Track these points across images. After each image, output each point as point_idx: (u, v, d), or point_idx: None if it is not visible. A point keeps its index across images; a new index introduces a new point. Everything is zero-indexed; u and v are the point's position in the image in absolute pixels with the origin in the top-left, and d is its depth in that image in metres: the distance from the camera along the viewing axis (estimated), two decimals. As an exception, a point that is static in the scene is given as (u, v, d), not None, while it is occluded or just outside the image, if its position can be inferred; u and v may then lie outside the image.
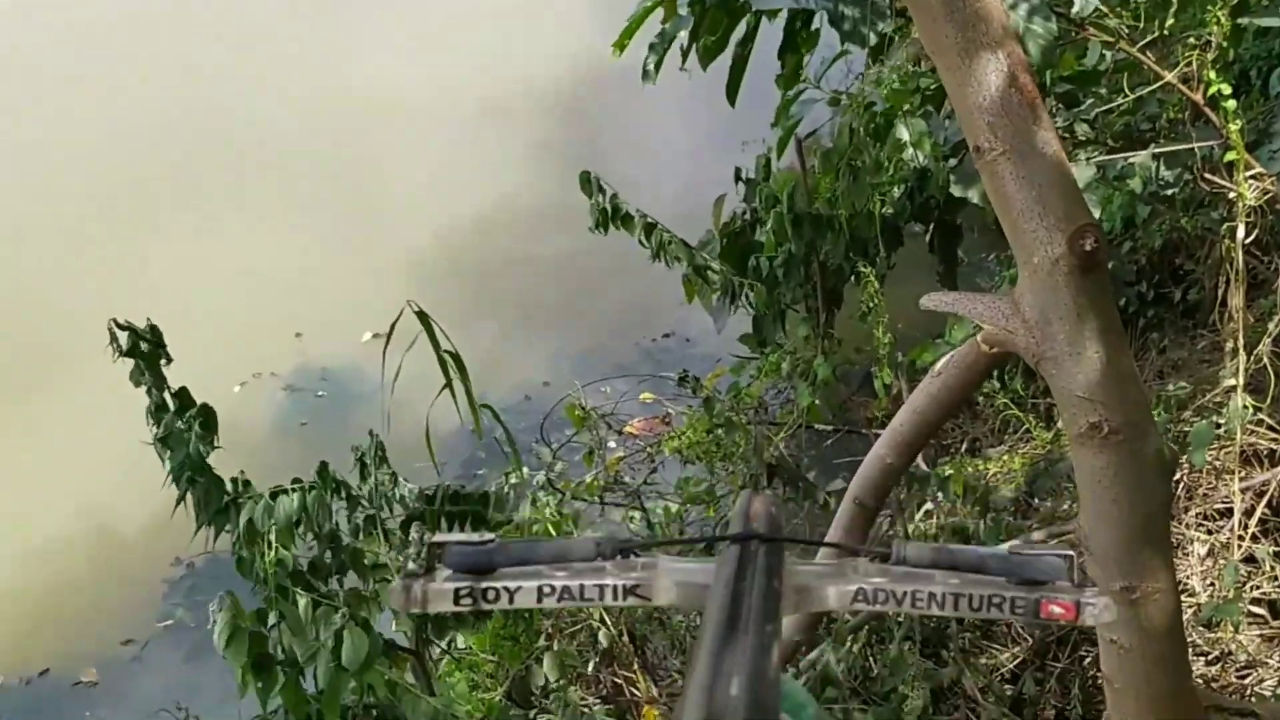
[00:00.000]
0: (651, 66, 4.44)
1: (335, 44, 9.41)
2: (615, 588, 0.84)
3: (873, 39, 3.77)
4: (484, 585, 0.83)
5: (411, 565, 0.85)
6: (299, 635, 2.32)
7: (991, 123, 1.59)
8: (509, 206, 7.30)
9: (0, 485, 5.36)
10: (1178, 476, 3.65)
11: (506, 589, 0.83)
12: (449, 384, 3.81)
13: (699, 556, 0.86)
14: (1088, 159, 3.86)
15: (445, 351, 3.70)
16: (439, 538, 0.85)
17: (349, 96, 8.59)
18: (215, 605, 2.34)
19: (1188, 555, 3.52)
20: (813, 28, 4.28)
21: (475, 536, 0.85)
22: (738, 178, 4.95)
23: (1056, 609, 0.78)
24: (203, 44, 9.20)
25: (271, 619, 2.33)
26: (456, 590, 0.83)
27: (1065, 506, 3.92)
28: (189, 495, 2.66)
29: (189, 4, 9.79)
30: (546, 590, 0.83)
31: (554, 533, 3.42)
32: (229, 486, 2.66)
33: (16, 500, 5.28)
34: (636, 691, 3.39)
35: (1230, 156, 2.95)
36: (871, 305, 3.96)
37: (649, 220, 4.56)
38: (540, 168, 7.65)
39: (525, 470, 3.91)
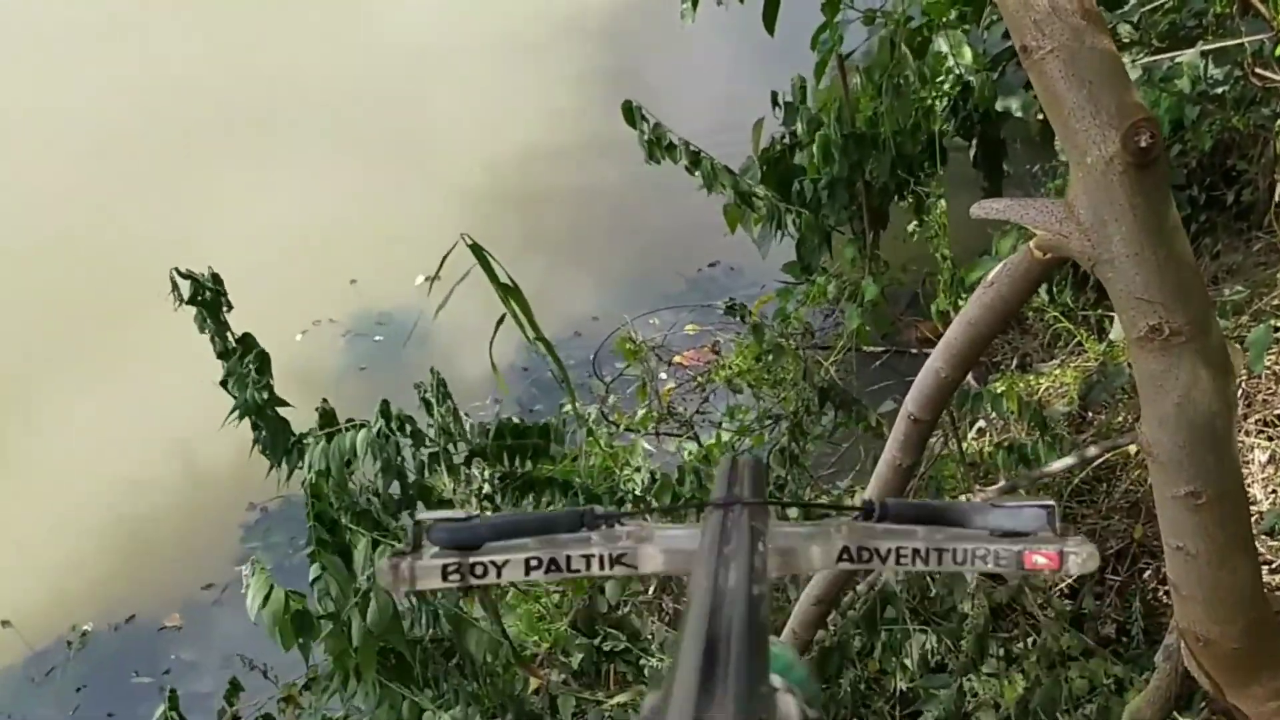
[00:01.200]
0: (687, 5, 4.37)
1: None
2: (601, 557, 0.84)
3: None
4: (471, 560, 0.84)
5: (399, 545, 0.86)
6: (343, 588, 2.34)
7: (1038, 20, 1.53)
8: (551, 140, 7.28)
9: (81, 431, 5.52)
10: (1236, 383, 3.59)
11: (493, 563, 0.84)
12: (510, 313, 3.81)
13: (685, 522, 0.87)
14: (1133, 61, 3.75)
15: (503, 284, 3.70)
16: (424, 515, 0.86)
17: (386, 39, 8.58)
18: (246, 569, 2.37)
19: (1249, 463, 3.47)
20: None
21: (460, 513, 0.86)
22: (775, 102, 4.87)
23: (1040, 559, 0.79)
24: (239, 5, 9.19)
25: (314, 571, 2.36)
26: (444, 566, 0.84)
27: (1119, 418, 3.87)
28: (248, 441, 2.70)
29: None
30: (533, 563, 0.84)
31: (612, 465, 3.42)
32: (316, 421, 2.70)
33: (99, 446, 5.42)
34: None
35: (1283, 49, 2.85)
36: (928, 223, 3.89)
37: (693, 149, 4.50)
38: (581, 99, 7.61)
39: (580, 404, 3.93)
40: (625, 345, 4.43)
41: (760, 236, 4.86)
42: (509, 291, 3.45)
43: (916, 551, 0.81)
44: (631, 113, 4.35)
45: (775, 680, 0.72)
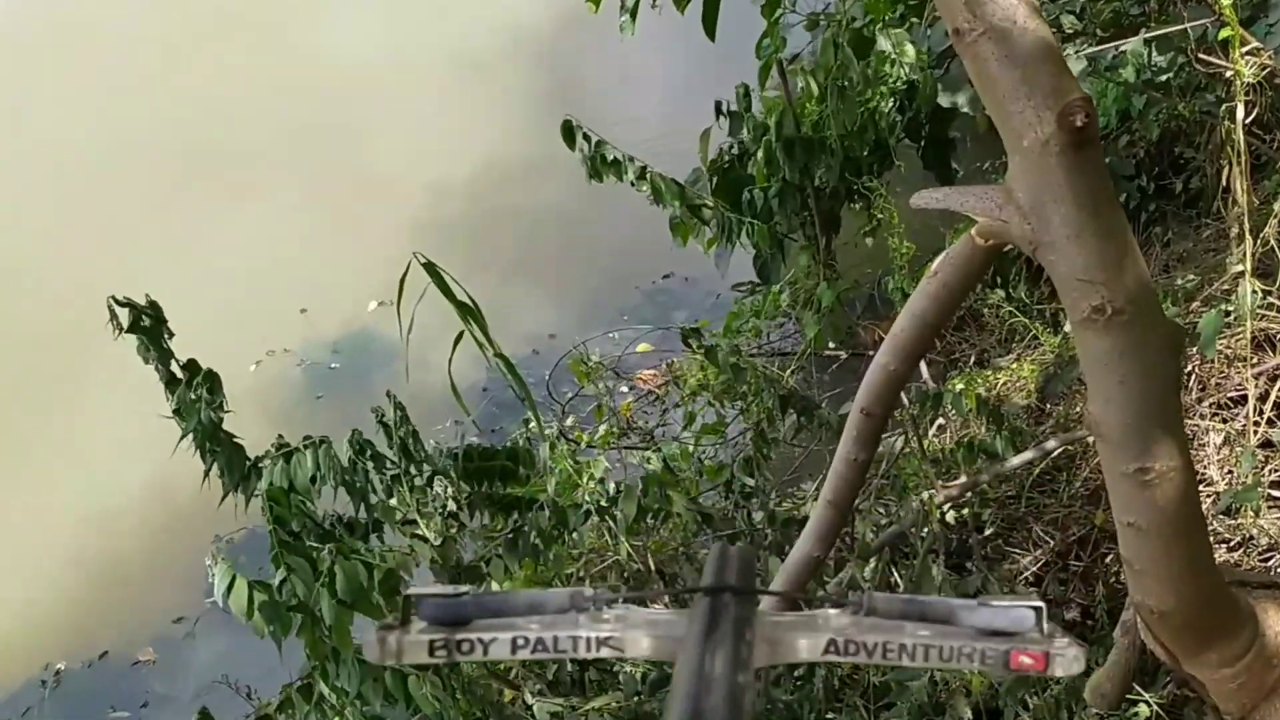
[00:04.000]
0: (628, 16, 4.37)
1: (304, 18, 9.32)
2: (589, 639, 0.85)
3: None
4: (458, 637, 0.84)
5: (388, 619, 0.87)
6: (308, 584, 2.34)
7: (969, 1, 1.54)
8: (498, 160, 7.26)
9: (47, 469, 5.52)
10: (1190, 368, 3.63)
11: (481, 640, 0.84)
12: (469, 330, 3.78)
13: (673, 607, 0.88)
14: (1077, 52, 3.79)
15: (460, 302, 3.68)
16: (413, 591, 0.87)
17: (325, 68, 8.54)
18: (209, 559, 2.38)
19: (1204, 445, 3.50)
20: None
21: (450, 589, 0.87)
22: (719, 111, 4.89)
23: (1026, 659, 0.80)
24: (175, 31, 9.14)
25: (280, 575, 2.36)
26: (431, 642, 0.84)
27: (1077, 409, 3.90)
28: (215, 471, 2.69)
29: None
30: (520, 642, 0.84)
31: (579, 480, 3.41)
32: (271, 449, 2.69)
33: (65, 484, 5.42)
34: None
35: (1225, 34, 2.89)
36: (880, 218, 3.90)
37: (639, 164, 4.50)
38: (525, 117, 7.60)
39: (542, 423, 3.91)
40: (578, 367, 4.41)
41: (717, 255, 4.87)
42: (466, 310, 3.44)
43: (903, 647, 0.82)
44: (571, 132, 4.35)
45: None
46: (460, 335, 3.79)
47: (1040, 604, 0.81)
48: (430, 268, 3.63)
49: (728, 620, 0.76)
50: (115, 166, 7.61)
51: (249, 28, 9.08)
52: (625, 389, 5.31)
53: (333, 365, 5.99)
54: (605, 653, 0.85)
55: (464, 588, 0.87)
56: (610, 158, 4.37)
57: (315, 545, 2.50)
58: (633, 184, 4.49)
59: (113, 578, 4.99)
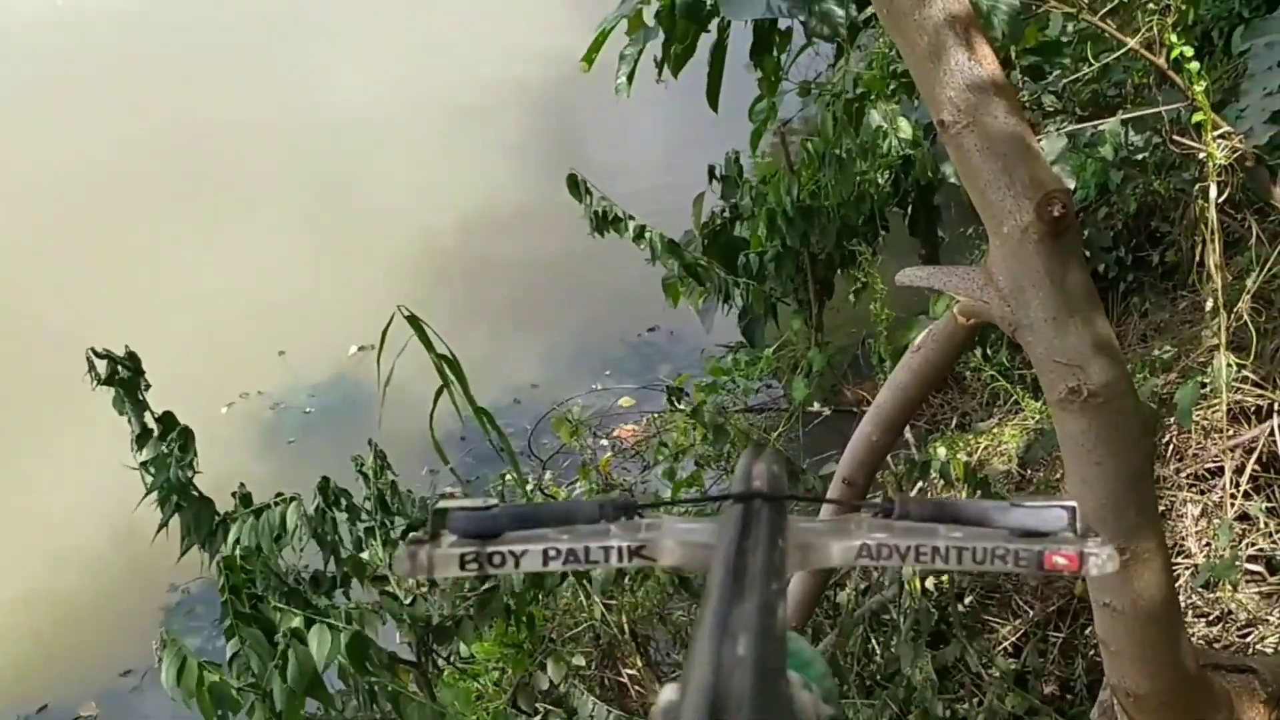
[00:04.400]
0: (624, 79, 4.44)
1: (304, 61, 9.40)
2: (620, 549, 0.83)
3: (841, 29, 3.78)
4: (489, 550, 0.82)
5: (417, 533, 0.84)
6: (264, 659, 2.30)
7: (953, 96, 1.59)
8: (488, 210, 7.30)
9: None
10: (1167, 439, 3.66)
11: (512, 553, 0.82)
12: (446, 386, 3.80)
13: (704, 517, 0.87)
14: (1058, 130, 3.87)
15: (440, 355, 3.69)
16: (443, 504, 0.84)
17: (322, 111, 8.59)
18: (155, 645, 2.33)
19: (1181, 517, 3.52)
20: (781, 27, 4.29)
21: (479, 501, 0.85)
22: (712, 175, 4.96)
23: (1060, 559, 0.77)
24: (172, 71, 9.18)
25: (232, 648, 2.32)
26: (462, 555, 0.82)
27: (1057, 476, 3.93)
28: (175, 519, 2.65)
29: (153, 31, 9.75)
30: (552, 553, 0.83)
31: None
32: (234, 502, 2.66)
33: (13, 525, 5.26)
34: (641, 689, 3.39)
35: (1198, 118, 2.96)
36: (865, 282, 3.94)
37: (638, 223, 4.57)
38: (518, 169, 7.66)
39: (522, 476, 3.91)
40: (563, 426, 4.43)
41: (703, 309, 4.92)
42: (446, 363, 3.46)
43: (936, 550, 0.80)
44: (577, 186, 4.41)
45: (792, 676, 0.71)
46: (441, 389, 3.81)
47: (1073, 504, 0.79)
48: (413, 320, 3.65)
49: (760, 527, 0.75)
50: (96, 203, 7.60)
51: (245, 67, 9.13)
52: (605, 443, 5.31)
53: (308, 410, 5.92)
54: (637, 562, 0.83)
55: (493, 500, 0.86)
56: (612, 215, 4.43)
57: (279, 606, 2.46)
58: (633, 241, 4.55)
59: (61, 622, 4.81)
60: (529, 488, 3.95)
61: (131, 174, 7.87)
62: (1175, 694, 1.76)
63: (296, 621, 2.31)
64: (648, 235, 4.53)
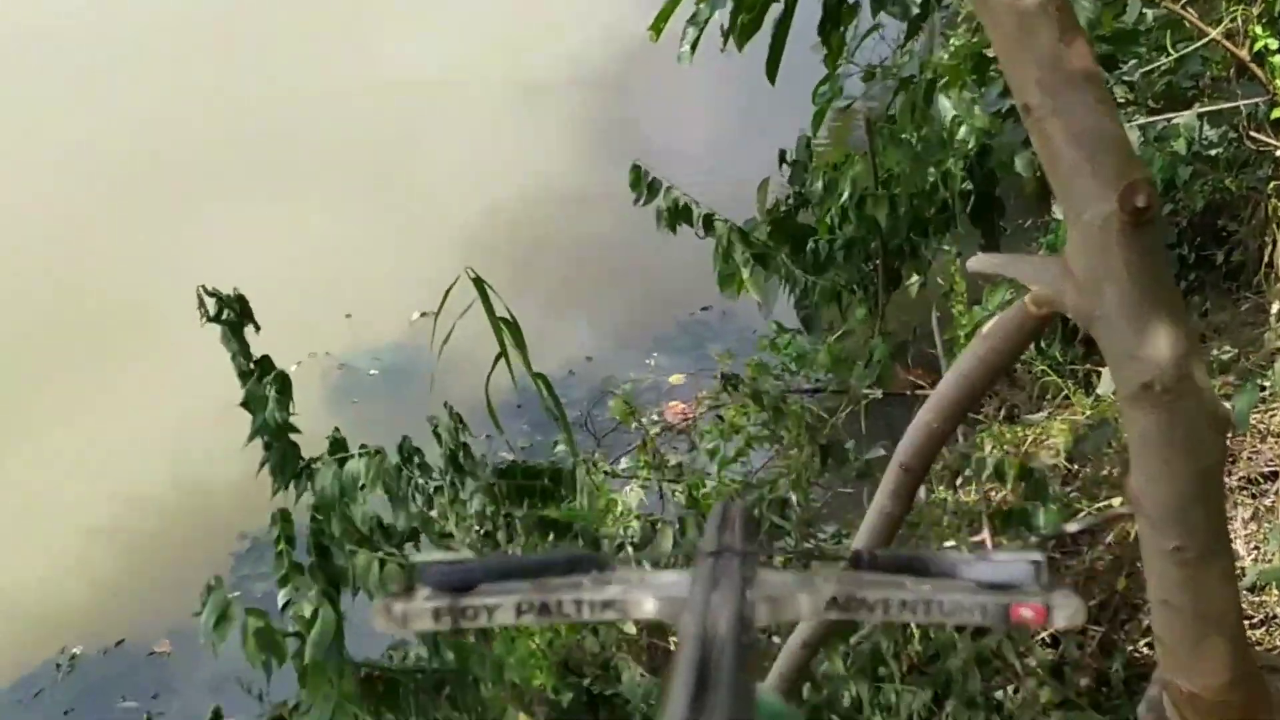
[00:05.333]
0: (687, 47, 4.41)
1: (371, 29, 9.46)
2: (592, 602, 0.85)
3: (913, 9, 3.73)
4: (463, 603, 0.85)
5: (393, 587, 0.87)
6: (333, 603, 2.37)
7: (1040, 79, 1.57)
8: (550, 184, 7.34)
9: (73, 455, 5.54)
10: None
11: (485, 606, 0.85)
12: (504, 351, 3.82)
13: (676, 569, 0.88)
14: (1129, 122, 3.81)
15: (500, 319, 3.72)
16: (418, 559, 0.88)
17: (388, 80, 8.64)
18: (203, 592, 2.39)
19: (1232, 520, 3.50)
20: (849, 2, 4.24)
21: (453, 556, 0.88)
22: (782, 159, 4.92)
23: (1027, 612, 0.79)
24: (242, 34, 9.26)
25: (284, 596, 2.38)
26: (436, 609, 0.84)
27: (1105, 472, 3.90)
28: (246, 473, 2.73)
29: (220, 5, 9.83)
30: (524, 606, 0.85)
31: (608, 510, 3.43)
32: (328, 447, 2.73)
33: (91, 471, 5.45)
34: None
35: (1277, 114, 2.91)
36: (932, 279, 3.90)
37: (708, 213, 4.56)
38: (580, 145, 7.69)
39: (576, 447, 3.94)
40: (621, 408, 4.43)
41: (766, 294, 4.90)
42: (508, 326, 3.48)
43: (904, 602, 0.81)
44: (640, 179, 4.42)
45: None
46: (500, 354, 3.84)
47: (1040, 557, 0.81)
48: (479, 283, 3.67)
49: (730, 580, 0.76)
50: (167, 174, 7.72)
51: (313, 36, 9.19)
52: (656, 415, 5.34)
53: (371, 371, 6.06)
54: (609, 615, 0.85)
55: (467, 554, 0.88)
56: (681, 204, 4.44)
57: (353, 548, 2.52)
58: (702, 230, 4.54)
59: (137, 563, 5.02)
60: (580, 459, 3.97)
61: (204, 142, 7.98)
62: (1231, 694, 1.74)
63: (367, 562, 2.37)
64: (716, 226, 4.52)
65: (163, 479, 5.32)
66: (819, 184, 4.66)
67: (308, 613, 2.42)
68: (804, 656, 2.62)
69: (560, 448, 4.12)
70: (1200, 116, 3.81)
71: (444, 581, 0.86)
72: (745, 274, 4.62)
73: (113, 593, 4.94)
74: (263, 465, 2.73)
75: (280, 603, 2.53)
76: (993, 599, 0.80)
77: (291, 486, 2.70)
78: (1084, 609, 0.79)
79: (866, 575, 0.85)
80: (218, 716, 2.81)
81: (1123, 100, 4.13)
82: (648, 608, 0.84)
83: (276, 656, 2.45)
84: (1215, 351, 3.95)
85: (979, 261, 1.90)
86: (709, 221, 4.47)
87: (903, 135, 4.37)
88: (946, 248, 4.32)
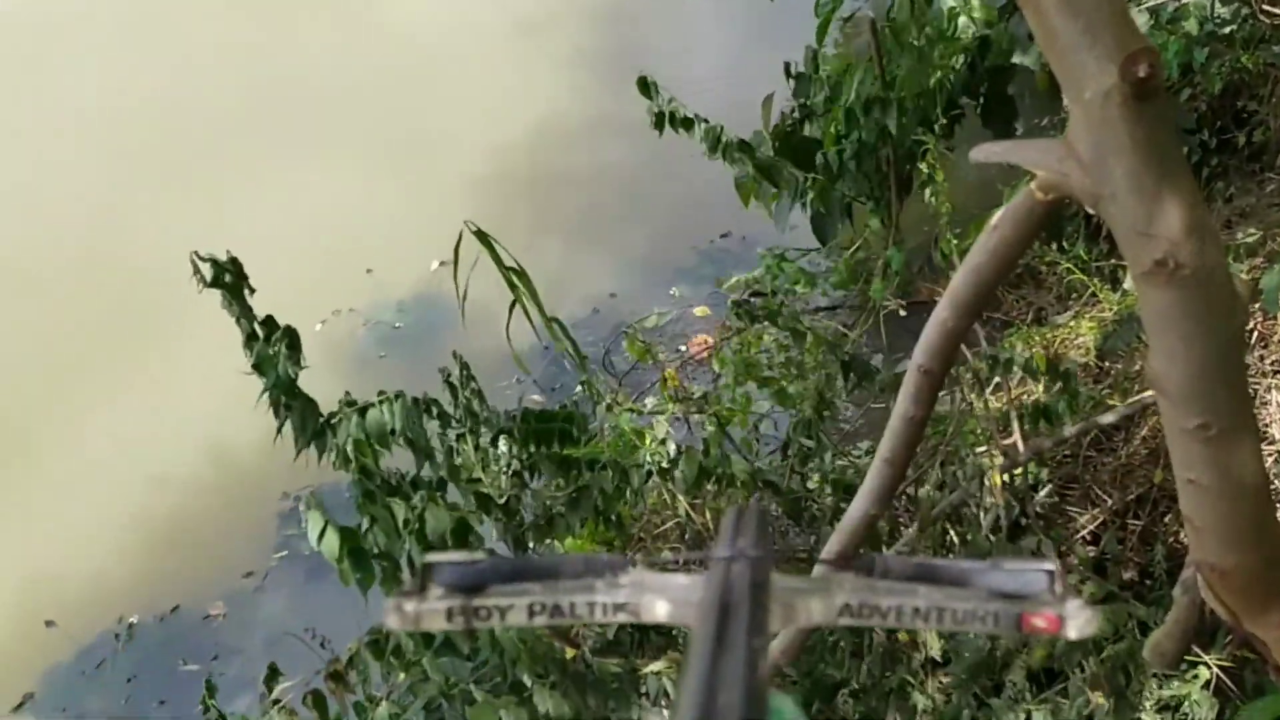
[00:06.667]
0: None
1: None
2: (605, 605, 0.85)
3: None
4: (475, 604, 0.84)
5: (405, 586, 0.87)
6: (389, 534, 2.40)
7: (1029, -47, 1.53)
8: (555, 122, 7.27)
9: (115, 430, 5.61)
10: (1252, 325, 3.58)
11: (498, 607, 0.84)
12: (517, 299, 3.84)
13: (688, 571, 0.88)
14: (1138, 6, 3.72)
15: (509, 268, 3.74)
16: (431, 558, 0.87)
17: (385, 31, 8.58)
18: (303, 505, 2.44)
19: (1266, 404, 3.45)
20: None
21: (467, 556, 0.87)
22: (788, 73, 4.85)
23: (1039, 621, 0.80)
24: (242, 5, 9.22)
25: (364, 524, 2.43)
26: (448, 609, 0.84)
27: (1136, 367, 3.86)
28: (287, 429, 2.75)
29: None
30: (536, 608, 0.85)
31: (637, 443, 3.45)
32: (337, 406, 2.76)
33: (132, 444, 5.52)
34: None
35: (1289, -16, 2.83)
36: (931, 175, 3.84)
37: (709, 124, 4.50)
38: (583, 77, 7.61)
39: (594, 387, 3.94)
40: (635, 345, 4.43)
41: (776, 211, 4.85)
42: (517, 275, 3.48)
43: (917, 610, 0.82)
44: (647, 87, 4.37)
45: None
46: (515, 301, 3.85)
47: (1053, 566, 0.81)
48: (481, 235, 3.68)
49: (743, 585, 0.77)
50: (178, 127, 7.70)
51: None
52: (680, 348, 5.33)
53: (396, 325, 6.06)
54: (622, 618, 0.85)
55: (480, 554, 0.88)
56: (681, 115, 4.39)
57: (388, 500, 2.56)
58: (702, 143, 4.49)
59: (183, 535, 5.10)
60: (605, 401, 3.98)
61: (210, 106, 7.96)
62: (1263, 569, 1.72)
63: (401, 510, 2.41)
64: (722, 136, 4.47)
65: (200, 447, 5.39)
66: (822, 95, 4.58)
67: (382, 540, 2.48)
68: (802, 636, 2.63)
69: (581, 389, 4.14)
70: (1211, -7, 3.73)
71: (456, 581, 0.86)
72: (753, 186, 4.58)
73: (163, 564, 5.03)
74: (280, 428, 2.75)
75: (362, 529, 2.58)
76: (1005, 607, 0.81)
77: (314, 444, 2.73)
78: (1096, 618, 0.80)
79: (879, 582, 0.85)
80: (274, 673, 2.86)
81: (1130, -16, 4.04)
82: (660, 610, 0.85)
83: (367, 576, 2.49)
84: (1241, 236, 3.88)
85: (981, 151, 1.86)
86: (711, 133, 4.42)
87: (906, 37, 4.28)
88: (934, 141, 4.24)
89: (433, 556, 0.87)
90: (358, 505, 2.51)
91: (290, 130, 7.67)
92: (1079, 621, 0.79)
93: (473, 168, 6.94)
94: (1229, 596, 1.78)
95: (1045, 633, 0.80)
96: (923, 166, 4.12)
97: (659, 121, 4.34)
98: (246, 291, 2.67)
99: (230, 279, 2.60)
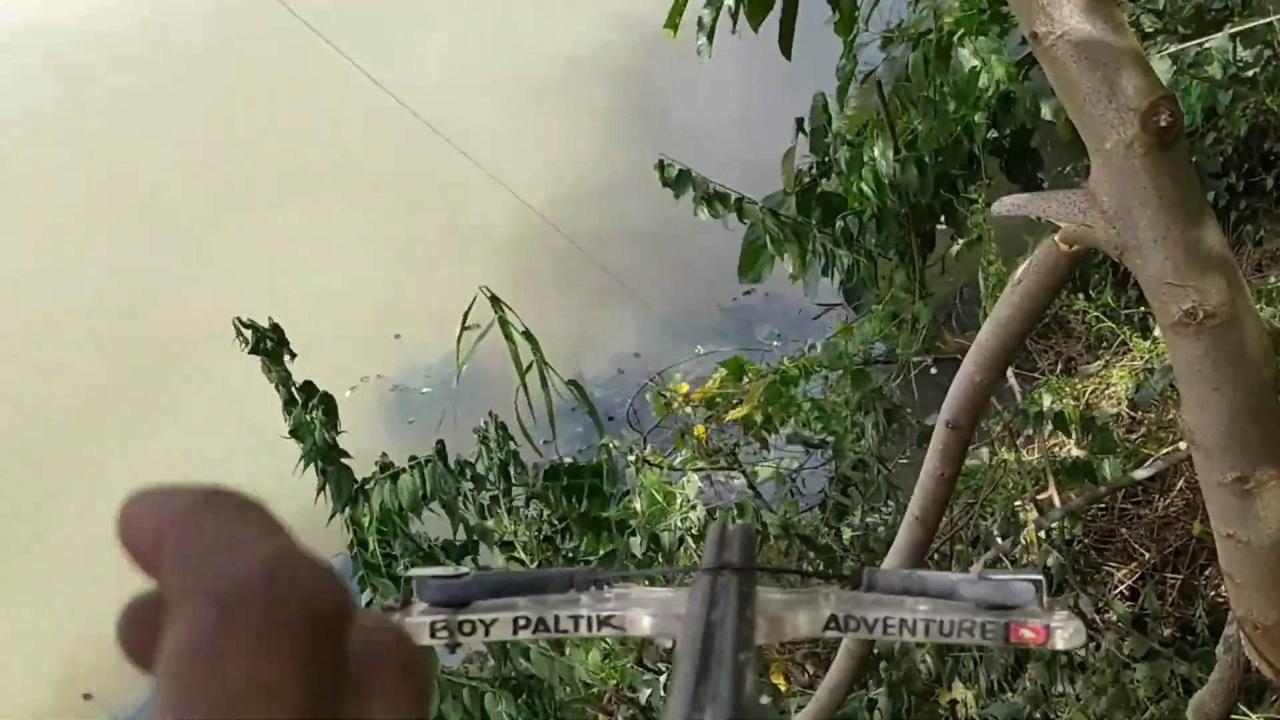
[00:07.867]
0: (704, 41, 4.39)
1: (387, 42, 9.48)
2: (589, 619, 0.84)
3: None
4: (459, 619, 0.84)
5: (389, 601, 0.86)
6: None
7: (1045, 4, 1.51)
8: (576, 183, 7.33)
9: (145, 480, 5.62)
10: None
11: (482, 621, 0.84)
12: (535, 363, 3.85)
13: (675, 586, 0.87)
14: (1159, 53, 3.71)
15: (521, 332, 3.75)
16: (416, 573, 0.85)
17: (411, 96, 8.69)
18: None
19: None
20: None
21: (451, 570, 0.86)
22: (800, 128, 4.87)
23: (1027, 633, 0.79)
24: (257, 52, 9.35)
25: (366, 596, 2.40)
26: (432, 624, 0.83)
27: (1169, 416, 3.80)
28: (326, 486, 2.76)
29: (236, 27, 9.95)
30: (521, 622, 0.84)
31: (661, 501, 3.43)
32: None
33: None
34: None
35: (1310, 26, 2.81)
36: (976, 234, 3.84)
37: (738, 197, 4.55)
38: (601, 141, 7.67)
39: (624, 441, 3.93)
40: (658, 400, 4.41)
41: (808, 280, 4.86)
42: (527, 339, 3.49)
43: (904, 622, 0.82)
44: (664, 172, 4.41)
45: None
46: (529, 365, 3.86)
47: (1040, 577, 0.81)
48: (494, 301, 3.70)
49: (728, 598, 0.75)
50: (203, 189, 7.80)
51: (328, 63, 9.26)
52: (707, 408, 5.31)
53: (425, 390, 6.08)
54: (607, 631, 0.84)
55: (464, 569, 0.88)
56: (712, 191, 4.44)
57: (416, 563, 2.54)
58: (736, 218, 4.53)
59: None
60: (631, 457, 3.96)
61: (238, 169, 8.07)
62: (1310, 626, 1.67)
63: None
64: (747, 209, 4.51)
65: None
66: (842, 153, 4.59)
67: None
68: (831, 702, 2.57)
69: (613, 445, 4.12)
70: (1232, 37, 3.70)
71: (440, 597, 0.85)
72: (782, 251, 4.58)
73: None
74: (320, 491, 2.76)
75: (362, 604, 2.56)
76: (993, 619, 0.81)
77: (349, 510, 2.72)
78: (1083, 630, 0.80)
79: (866, 595, 0.85)
80: None
81: (1151, 29, 4.02)
82: (644, 624, 0.84)
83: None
84: (1273, 279, 3.83)
85: (1003, 204, 1.84)
86: (740, 206, 4.45)
87: (921, 93, 4.29)
88: (976, 201, 4.24)
89: (418, 571, 0.86)
90: (359, 580, 2.49)
91: (317, 195, 7.77)
92: (1066, 632, 0.78)
93: (496, 230, 7.01)
94: (1272, 653, 1.72)
95: (1033, 644, 0.79)
96: (958, 218, 4.11)
97: (705, 203, 4.40)
98: (286, 357, 2.70)
99: (271, 345, 2.62)
